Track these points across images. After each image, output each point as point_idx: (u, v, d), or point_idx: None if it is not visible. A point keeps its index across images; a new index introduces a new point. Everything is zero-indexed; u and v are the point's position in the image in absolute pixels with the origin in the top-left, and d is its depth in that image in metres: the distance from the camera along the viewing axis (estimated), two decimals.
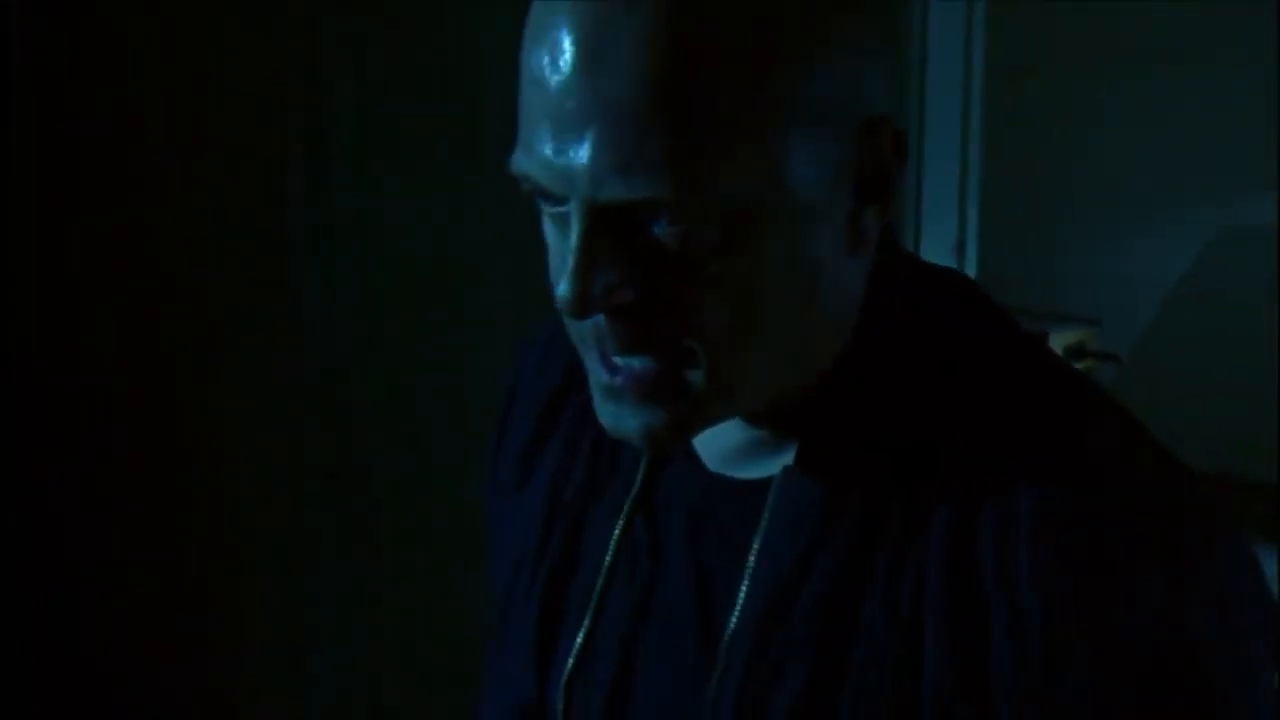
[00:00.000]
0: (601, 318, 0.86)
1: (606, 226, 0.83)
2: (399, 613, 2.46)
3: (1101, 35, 6.00)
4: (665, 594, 0.97)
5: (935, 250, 2.15)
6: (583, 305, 0.83)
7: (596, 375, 0.89)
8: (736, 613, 0.92)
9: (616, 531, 1.00)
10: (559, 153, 0.82)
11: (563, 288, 0.84)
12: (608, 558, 1.00)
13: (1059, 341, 5.56)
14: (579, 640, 1.00)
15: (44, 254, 2.38)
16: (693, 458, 0.98)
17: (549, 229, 0.89)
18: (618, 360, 0.87)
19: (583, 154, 0.81)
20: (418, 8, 2.36)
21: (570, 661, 1.00)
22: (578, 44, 0.81)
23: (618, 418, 0.89)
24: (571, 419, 1.07)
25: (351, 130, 2.37)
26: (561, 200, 0.85)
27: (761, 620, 0.91)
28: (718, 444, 0.97)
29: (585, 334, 0.88)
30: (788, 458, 0.93)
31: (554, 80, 0.82)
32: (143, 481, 2.42)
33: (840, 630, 0.88)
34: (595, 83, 0.81)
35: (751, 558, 0.92)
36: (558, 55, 0.82)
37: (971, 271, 2.22)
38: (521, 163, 0.85)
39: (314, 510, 2.44)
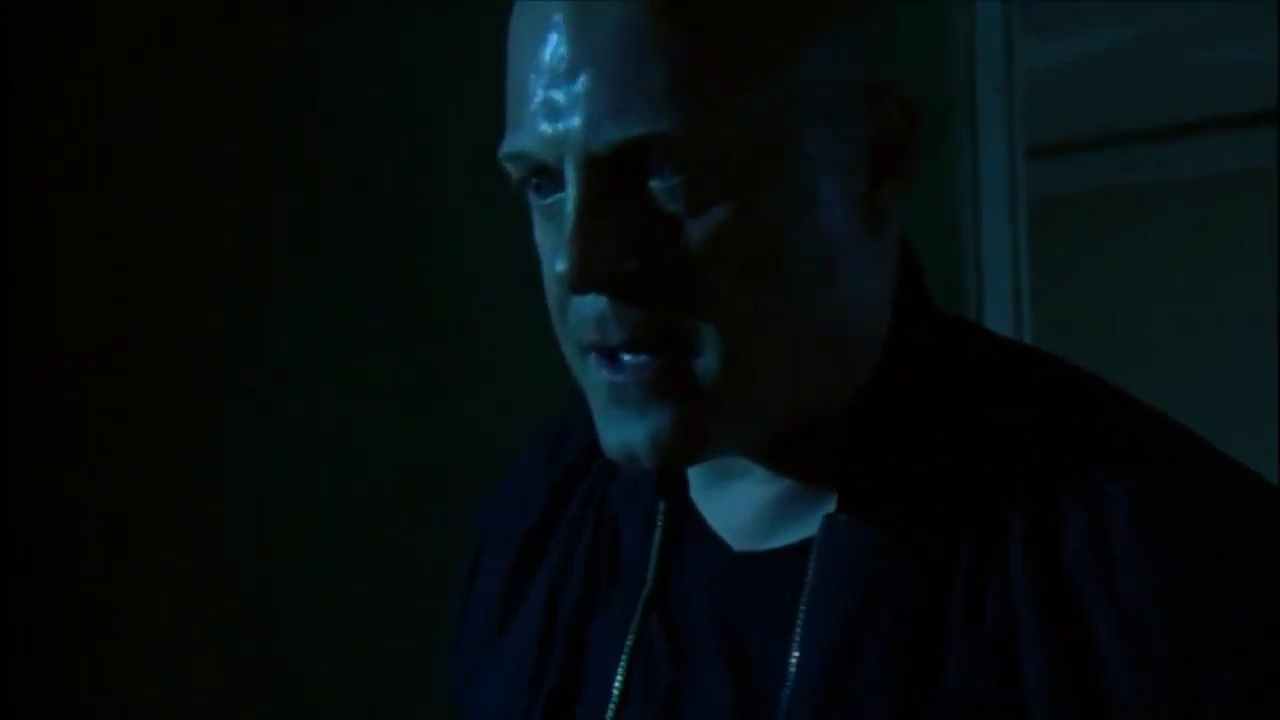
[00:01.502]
0: (604, 302, 0.76)
1: (604, 187, 0.75)
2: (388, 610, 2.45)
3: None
4: (696, 699, 0.83)
5: None
6: (584, 272, 0.74)
7: (598, 378, 0.79)
8: (789, 685, 0.78)
9: (629, 641, 0.85)
10: (551, 112, 0.75)
11: (561, 263, 0.75)
12: (619, 675, 0.85)
13: None
14: None
15: (43, 255, 2.38)
16: (712, 538, 0.85)
17: (540, 227, 0.81)
18: (622, 356, 0.78)
19: (576, 103, 0.74)
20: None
21: None
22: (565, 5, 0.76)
23: (622, 426, 0.78)
24: (563, 536, 0.94)
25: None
26: (552, 182, 0.78)
27: (823, 682, 0.77)
28: (738, 518, 0.84)
29: (586, 325, 0.78)
30: (825, 509, 0.80)
31: (544, 46, 0.76)
32: (141, 484, 2.41)
33: (921, 668, 0.76)
34: (586, 30, 0.74)
35: (799, 624, 0.79)
36: (546, 22, 0.76)
37: None
38: (511, 143, 0.79)
39: (308, 523, 2.44)
